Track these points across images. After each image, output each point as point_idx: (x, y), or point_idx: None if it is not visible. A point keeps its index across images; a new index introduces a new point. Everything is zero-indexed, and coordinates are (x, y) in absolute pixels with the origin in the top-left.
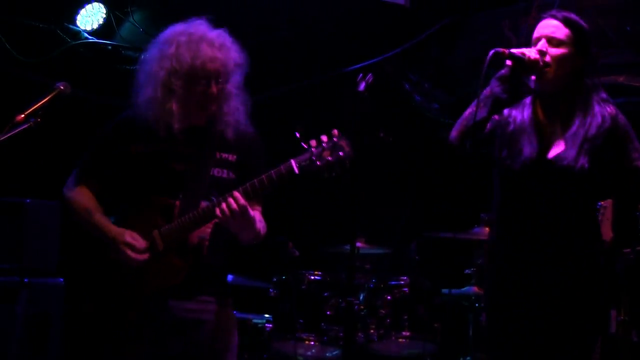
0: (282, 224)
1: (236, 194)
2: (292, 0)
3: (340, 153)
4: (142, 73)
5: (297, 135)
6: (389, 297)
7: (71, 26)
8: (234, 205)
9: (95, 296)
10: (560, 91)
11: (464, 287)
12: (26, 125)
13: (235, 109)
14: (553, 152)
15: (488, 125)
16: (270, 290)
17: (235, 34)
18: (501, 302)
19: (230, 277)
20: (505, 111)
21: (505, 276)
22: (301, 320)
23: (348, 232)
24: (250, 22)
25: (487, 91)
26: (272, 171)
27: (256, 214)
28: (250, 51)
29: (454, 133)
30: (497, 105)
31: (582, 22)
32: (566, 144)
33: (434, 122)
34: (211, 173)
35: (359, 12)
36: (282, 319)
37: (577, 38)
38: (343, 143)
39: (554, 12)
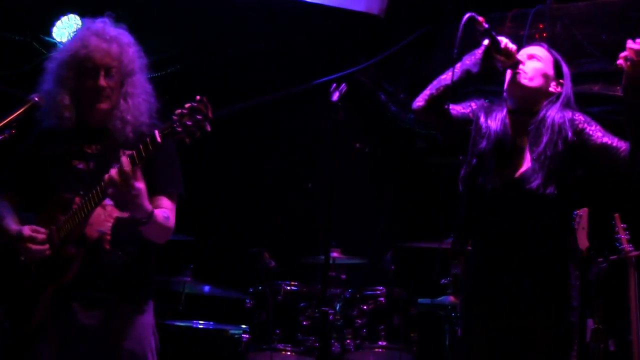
0: (258, 234)
1: (123, 158)
2: (267, 11)
3: (198, 116)
4: (45, 69)
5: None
6: (365, 307)
7: (47, 38)
8: (118, 172)
9: (7, 305)
10: (529, 107)
11: (440, 297)
12: (0, 138)
13: (135, 108)
14: (520, 171)
15: (460, 112)
16: (247, 301)
17: (211, 45)
18: (475, 314)
19: (207, 289)
20: (482, 120)
21: (479, 289)
22: (277, 331)
23: (323, 242)
24: (226, 34)
25: (458, 65)
26: (141, 145)
27: (165, 204)
28: (226, 62)
29: (418, 98)
30: (466, 77)
31: (564, 62)
32: (532, 164)
33: (409, 132)
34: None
35: (334, 22)
36: (258, 329)
37: (557, 65)
38: (201, 106)
39: (541, 42)
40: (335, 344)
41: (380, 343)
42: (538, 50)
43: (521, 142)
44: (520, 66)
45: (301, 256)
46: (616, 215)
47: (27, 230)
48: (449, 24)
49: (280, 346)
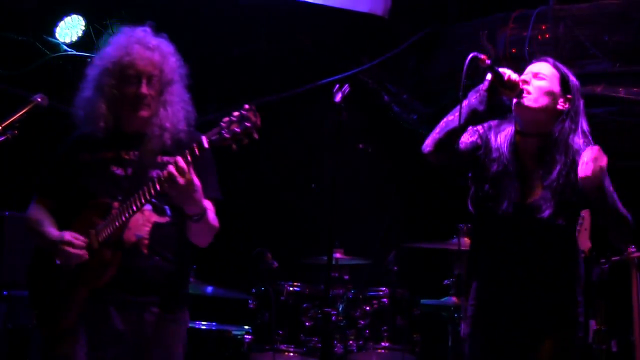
0: (261, 235)
1: (178, 157)
2: (270, 12)
3: (247, 124)
4: (85, 76)
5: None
6: (367, 308)
7: (50, 38)
8: (174, 167)
9: (41, 305)
10: (537, 129)
11: (442, 297)
12: (3, 138)
13: (174, 116)
14: (531, 198)
15: (468, 142)
16: (249, 301)
17: (214, 46)
18: (483, 335)
19: (209, 289)
20: (492, 141)
21: (486, 310)
22: (280, 332)
23: (326, 242)
24: (229, 35)
25: (464, 102)
26: (187, 150)
27: (209, 207)
28: (229, 63)
29: (427, 142)
30: (473, 116)
31: (571, 74)
32: (543, 192)
33: (412, 132)
34: (151, 175)
35: (337, 23)
36: (261, 330)
37: (563, 81)
38: (250, 114)
39: (546, 57)
40: (338, 344)
41: (383, 344)
42: (543, 67)
43: (532, 165)
44: (525, 86)
45: (304, 257)
46: None
47: (67, 235)
48: (452, 24)
49: (283, 347)
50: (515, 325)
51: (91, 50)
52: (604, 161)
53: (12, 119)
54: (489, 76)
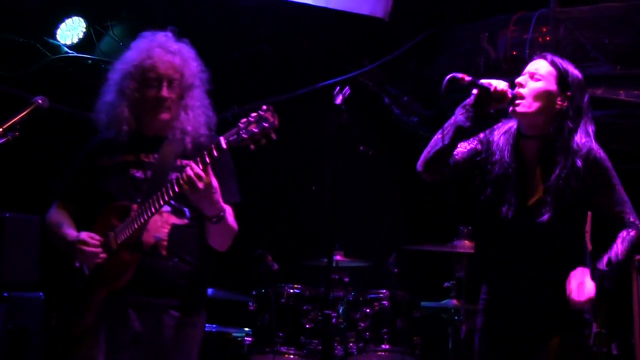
0: (261, 237)
1: (191, 163)
2: (271, 13)
3: (265, 124)
4: (107, 80)
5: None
6: (368, 310)
7: (51, 40)
8: (192, 172)
9: (60, 307)
10: (536, 132)
11: (443, 300)
12: (4, 140)
13: (195, 119)
14: (532, 200)
15: (465, 150)
16: (250, 303)
17: (215, 48)
18: (491, 341)
19: (210, 291)
20: (494, 143)
21: (494, 315)
22: (281, 334)
23: (327, 244)
24: (230, 37)
25: (451, 119)
26: (205, 151)
27: (228, 210)
28: (230, 65)
29: (420, 162)
30: (460, 133)
31: (572, 69)
32: (544, 195)
33: (413, 135)
34: (170, 178)
35: (338, 25)
36: (261, 332)
37: (561, 79)
38: (268, 115)
39: (545, 53)
40: (338, 347)
41: (383, 346)
42: (540, 65)
43: (533, 167)
44: (519, 90)
45: (304, 259)
46: None
47: (83, 235)
48: (452, 26)
49: (283, 349)
50: (522, 324)
51: (92, 52)
52: (589, 293)
53: (13, 121)
54: (475, 91)
